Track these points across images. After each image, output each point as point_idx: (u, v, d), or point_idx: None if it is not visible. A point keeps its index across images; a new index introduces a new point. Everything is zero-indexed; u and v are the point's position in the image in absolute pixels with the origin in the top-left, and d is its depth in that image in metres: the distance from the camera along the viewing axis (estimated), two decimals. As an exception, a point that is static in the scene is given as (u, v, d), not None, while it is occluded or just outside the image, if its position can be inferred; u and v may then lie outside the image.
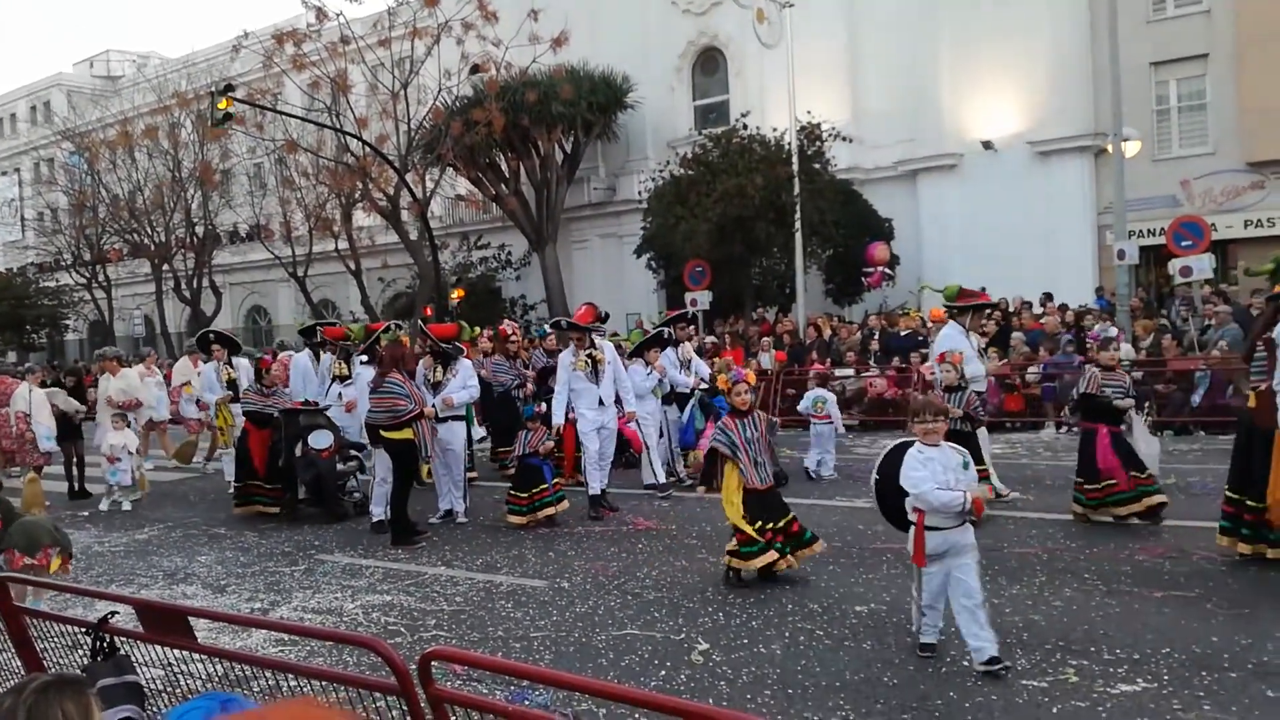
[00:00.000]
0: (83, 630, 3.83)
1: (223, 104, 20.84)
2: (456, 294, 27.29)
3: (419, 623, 6.43)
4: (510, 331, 12.92)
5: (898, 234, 23.31)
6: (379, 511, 9.24)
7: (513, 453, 9.39)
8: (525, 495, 9.00)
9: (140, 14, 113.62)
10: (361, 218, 30.99)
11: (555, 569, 7.57)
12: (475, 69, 25.73)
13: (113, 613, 3.81)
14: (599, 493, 9.58)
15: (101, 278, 37.77)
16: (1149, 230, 20.79)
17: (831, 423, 11.27)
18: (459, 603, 6.83)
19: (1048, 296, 18.89)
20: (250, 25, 40.62)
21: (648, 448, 10.57)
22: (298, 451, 10.03)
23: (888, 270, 22.37)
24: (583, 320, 10.35)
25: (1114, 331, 12.89)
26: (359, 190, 28.01)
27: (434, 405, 9.42)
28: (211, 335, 12.68)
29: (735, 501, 6.82)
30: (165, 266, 34.64)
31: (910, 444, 5.28)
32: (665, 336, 11.20)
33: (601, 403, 9.78)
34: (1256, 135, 20.74)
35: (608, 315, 12.00)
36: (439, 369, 9.86)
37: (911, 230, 23.89)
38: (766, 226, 20.90)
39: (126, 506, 11.35)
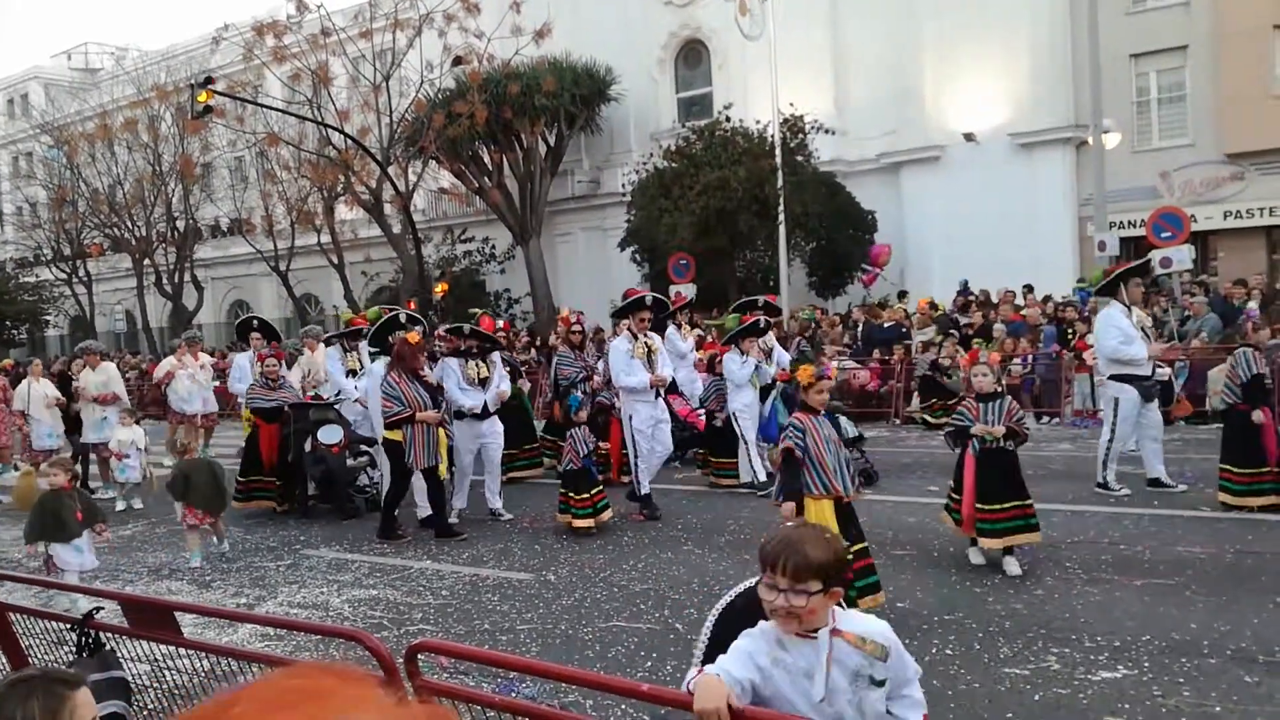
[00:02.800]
0: (68, 626, 3.83)
1: (202, 96, 20.70)
2: (440, 288, 27.23)
3: (405, 616, 6.43)
4: (573, 320, 12.30)
5: (880, 226, 23.40)
6: (423, 507, 8.94)
7: (569, 451, 8.61)
8: (586, 497, 8.36)
9: (119, 6, 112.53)
10: (344, 211, 30.83)
11: (541, 562, 7.59)
12: (457, 61, 25.65)
13: (98, 608, 3.81)
14: (648, 492, 9.10)
15: (82, 273, 37.46)
16: (1129, 221, 20.94)
17: None
18: (445, 596, 6.84)
19: (1028, 288, 19.00)
20: (230, 17, 40.25)
21: (746, 443, 9.88)
22: (307, 447, 9.82)
23: (881, 273, 22.53)
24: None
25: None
26: (341, 183, 27.89)
27: (484, 402, 9.14)
28: (255, 323, 12.19)
29: (829, 516, 5.51)
30: (146, 261, 34.37)
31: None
32: (762, 325, 10.35)
33: (658, 394, 9.25)
34: (1235, 127, 20.90)
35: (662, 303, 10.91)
36: (481, 365, 9.42)
37: (894, 222, 23.97)
38: (750, 219, 20.95)
39: (138, 504, 11.10)
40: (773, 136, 20.97)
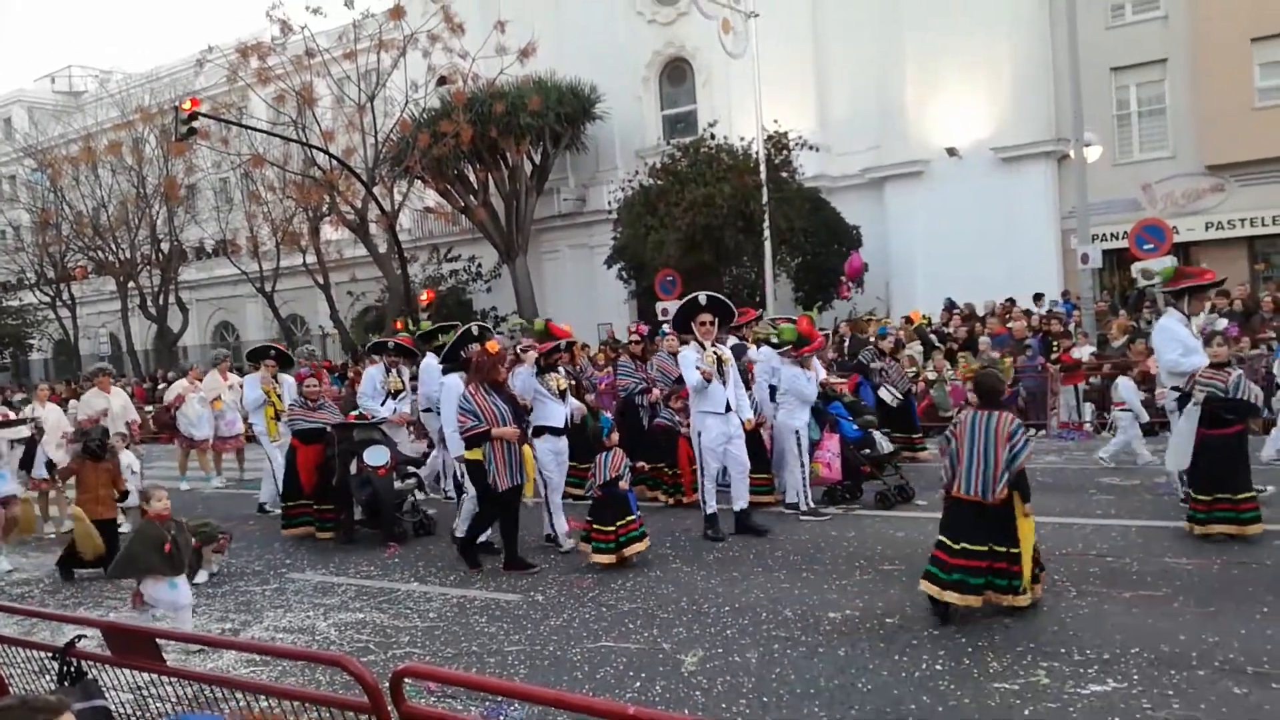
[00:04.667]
0: (49, 655, 3.79)
1: (185, 105, 20.73)
2: (426, 295, 27.22)
3: (392, 640, 6.39)
4: (635, 330, 11.83)
5: (865, 241, 23.50)
6: (462, 529, 8.52)
7: (594, 477, 8.05)
8: (611, 529, 7.70)
9: (103, 29, 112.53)
10: (329, 231, 30.79)
11: (529, 582, 7.55)
12: (442, 81, 25.71)
13: (80, 636, 3.77)
14: (713, 512, 8.60)
15: (66, 296, 37.27)
16: (1112, 234, 21.09)
17: None
18: (433, 619, 6.80)
19: (1011, 301, 19.10)
20: (214, 40, 40.22)
21: (803, 465, 9.35)
22: (352, 469, 9.41)
23: (852, 282, 22.59)
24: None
25: (1222, 324, 11.20)
26: (326, 204, 27.86)
27: (568, 416, 8.63)
28: (273, 351, 11.94)
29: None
30: (131, 284, 34.24)
31: None
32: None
33: (728, 407, 8.56)
34: (1216, 139, 21.11)
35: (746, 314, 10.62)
36: (559, 376, 8.77)
37: (879, 237, 24.08)
38: (735, 235, 21.02)
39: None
40: (757, 153, 21.07)
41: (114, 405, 11.73)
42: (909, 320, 17.16)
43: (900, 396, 11.95)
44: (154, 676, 3.58)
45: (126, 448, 11.22)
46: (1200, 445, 7.33)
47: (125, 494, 8.90)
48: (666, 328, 11.67)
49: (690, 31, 26.69)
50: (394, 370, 10.94)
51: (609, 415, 8.61)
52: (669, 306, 21.07)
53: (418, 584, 7.81)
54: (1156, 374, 8.79)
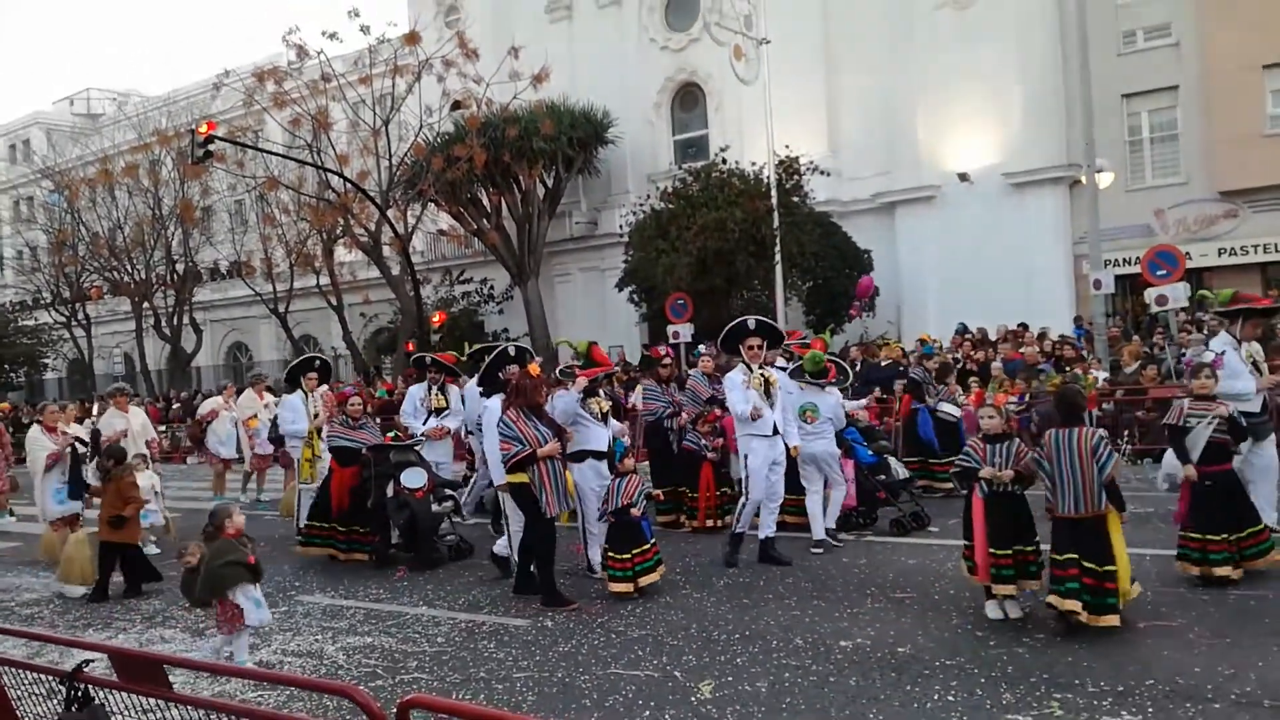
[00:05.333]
0: (57, 679, 3.78)
1: (202, 128, 20.95)
2: (438, 317, 27.32)
3: (400, 664, 6.36)
4: (664, 353, 11.67)
5: (876, 265, 23.50)
6: (502, 547, 8.36)
7: (611, 502, 7.78)
8: (626, 558, 7.55)
9: (121, 52, 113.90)
10: (343, 253, 30.98)
11: (538, 608, 7.51)
12: (456, 105, 25.92)
13: (87, 661, 3.76)
14: (741, 532, 8.44)
15: (81, 316, 37.54)
16: (1124, 259, 21.04)
17: None
18: (441, 643, 6.77)
19: (1024, 326, 19.03)
20: (231, 64, 40.72)
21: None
22: (389, 491, 9.20)
23: (861, 302, 22.57)
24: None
25: (1210, 356, 11.56)
26: (340, 226, 28.04)
27: (611, 439, 8.37)
28: (317, 362, 11.65)
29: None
30: (145, 304, 34.47)
31: None
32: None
33: (775, 430, 8.34)
34: (1228, 165, 21.09)
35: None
36: (602, 399, 8.54)
37: (890, 261, 24.09)
38: (747, 259, 21.06)
39: (156, 550, 10.57)
40: (768, 178, 21.14)
41: (133, 425, 11.59)
42: (922, 343, 17.06)
43: (957, 414, 11.56)
44: (161, 702, 3.57)
45: (147, 468, 11.20)
46: (1195, 483, 7.02)
47: (121, 519, 8.79)
48: (702, 348, 11.49)
49: (702, 57, 26.90)
50: (436, 388, 10.76)
51: (624, 440, 8.36)
52: (680, 329, 21.12)
53: (426, 608, 7.78)
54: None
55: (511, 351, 8.90)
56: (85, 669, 3.68)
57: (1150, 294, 16.10)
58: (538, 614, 7.32)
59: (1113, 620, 5.95)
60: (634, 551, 7.58)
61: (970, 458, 6.61)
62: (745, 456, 8.40)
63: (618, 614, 7.16)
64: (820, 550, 8.79)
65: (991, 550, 6.38)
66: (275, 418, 13.44)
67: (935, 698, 5.19)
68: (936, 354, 12.73)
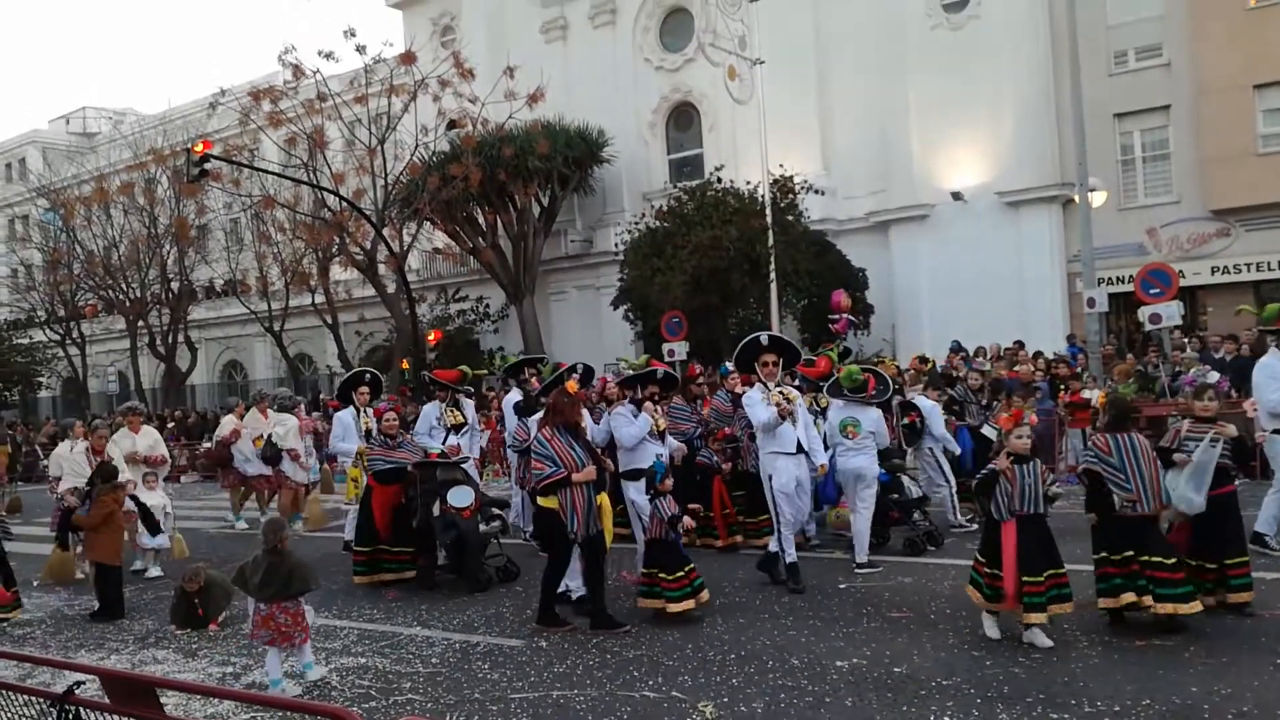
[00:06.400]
0: (48, 702, 3.75)
1: (198, 147, 21.02)
2: (434, 336, 27.31)
3: (394, 686, 6.32)
4: (699, 371, 11.34)
5: (871, 284, 23.56)
6: (575, 585, 7.80)
7: (653, 522, 7.54)
8: (681, 575, 7.34)
9: (117, 71, 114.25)
10: (338, 272, 30.99)
11: (533, 628, 7.48)
12: (452, 125, 26.03)
13: (78, 683, 3.73)
14: (794, 560, 8.23)
15: (76, 334, 37.48)
16: (1118, 278, 21.11)
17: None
18: (435, 664, 6.73)
19: (1019, 344, 19.08)
20: (227, 83, 40.82)
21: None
22: (435, 510, 8.87)
23: (852, 317, 22.54)
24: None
25: (1214, 376, 10.73)
26: (336, 245, 28.07)
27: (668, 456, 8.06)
28: (368, 375, 11.24)
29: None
30: (140, 322, 34.43)
31: None
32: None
33: (799, 448, 8.23)
34: (1220, 184, 21.22)
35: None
36: (659, 415, 8.24)
37: (884, 280, 24.15)
38: (741, 278, 21.11)
39: (159, 571, 10.52)
40: (763, 196, 21.21)
41: (140, 446, 11.31)
42: (924, 361, 17.00)
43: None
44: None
45: (154, 489, 11.03)
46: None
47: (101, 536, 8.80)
48: (729, 366, 11.45)
49: (697, 77, 27.05)
50: (450, 405, 10.58)
51: (663, 460, 8.09)
52: (675, 348, 21.13)
53: (421, 628, 7.74)
54: (1255, 416, 8.41)
55: (579, 371, 8.64)
56: (77, 691, 3.65)
57: (1144, 312, 16.16)
58: (533, 634, 7.28)
59: (1197, 607, 6.12)
60: (687, 568, 7.40)
61: (993, 472, 6.42)
62: (769, 478, 8.23)
63: (613, 634, 7.12)
64: (865, 571, 8.60)
65: (1023, 577, 6.16)
66: (270, 436, 13.46)
67: (931, 718, 5.17)
68: (990, 369, 12.36)
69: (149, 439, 11.59)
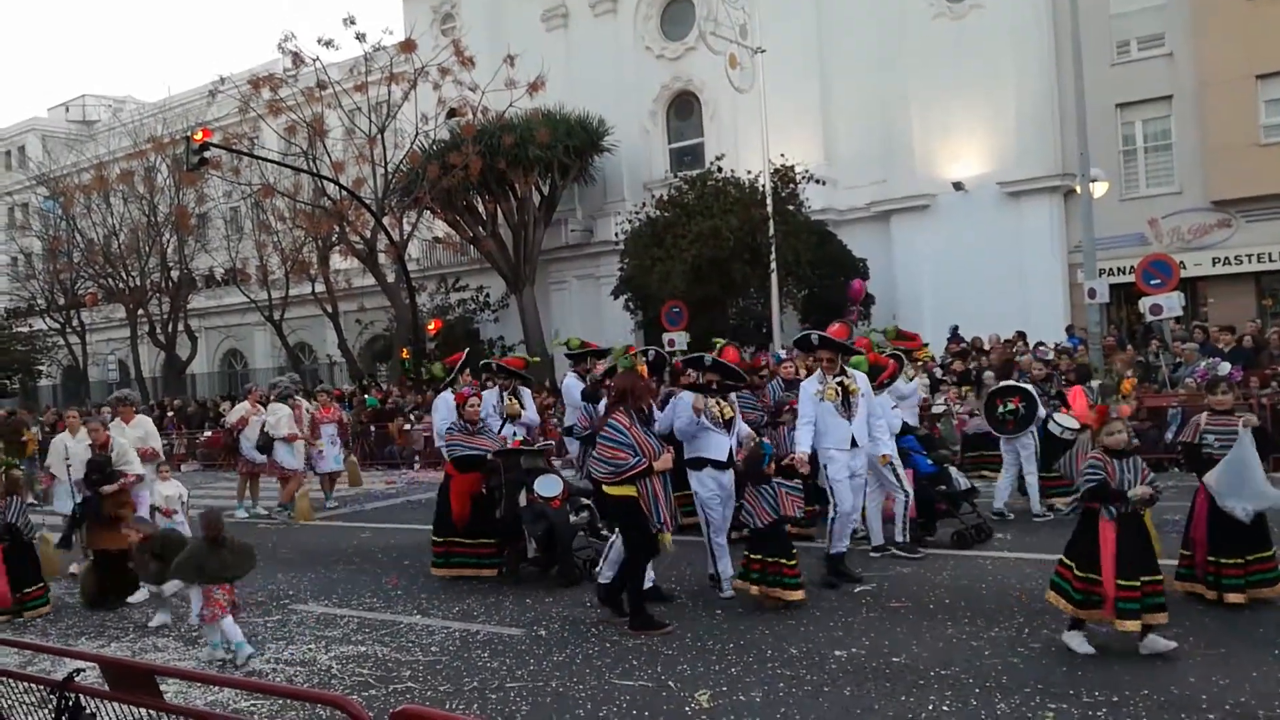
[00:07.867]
0: (48, 689, 3.76)
1: (197, 135, 21.00)
2: (434, 325, 27.31)
3: (393, 674, 6.33)
4: (764, 361, 10.98)
5: (872, 273, 23.55)
6: (608, 574, 7.46)
7: (756, 512, 7.26)
8: (796, 564, 7.22)
9: (116, 59, 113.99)
10: (338, 261, 30.97)
11: (533, 616, 7.50)
12: (452, 113, 25.98)
13: (78, 670, 3.75)
14: (841, 554, 8.04)
15: (75, 323, 37.46)
16: (1119, 268, 21.09)
17: None
18: (434, 653, 6.75)
19: (1020, 335, 19.07)
20: (227, 71, 40.77)
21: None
22: (522, 500, 8.51)
23: (859, 308, 22.58)
24: (839, 336, 8.51)
25: (1225, 368, 10.48)
26: (336, 234, 28.04)
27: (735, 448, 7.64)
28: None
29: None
30: (140, 311, 34.42)
31: None
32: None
33: (854, 443, 8.01)
34: (1222, 174, 21.17)
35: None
36: (724, 404, 7.87)
37: (885, 270, 24.13)
38: (742, 267, 21.10)
39: (165, 619, 10.40)
40: (764, 186, 21.18)
41: (130, 438, 10.63)
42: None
43: (1075, 429, 10.23)
44: (152, 712, 3.56)
45: (166, 478, 10.74)
46: (1210, 504, 6.68)
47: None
48: (783, 352, 10.98)
49: (698, 66, 26.96)
50: (507, 393, 10.26)
51: (770, 443, 7.74)
52: (675, 337, 21.14)
53: (420, 616, 7.75)
54: None
55: (651, 356, 8.34)
56: (76, 679, 3.67)
57: (1145, 303, 16.15)
58: (532, 623, 7.30)
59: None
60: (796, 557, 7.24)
61: (1098, 470, 5.93)
62: (825, 467, 8.03)
63: (611, 623, 7.13)
64: (879, 555, 8.67)
65: (1121, 582, 5.75)
66: (264, 425, 13.52)
67: (930, 708, 5.19)
68: (1077, 354, 11.79)
69: (140, 430, 11.07)
